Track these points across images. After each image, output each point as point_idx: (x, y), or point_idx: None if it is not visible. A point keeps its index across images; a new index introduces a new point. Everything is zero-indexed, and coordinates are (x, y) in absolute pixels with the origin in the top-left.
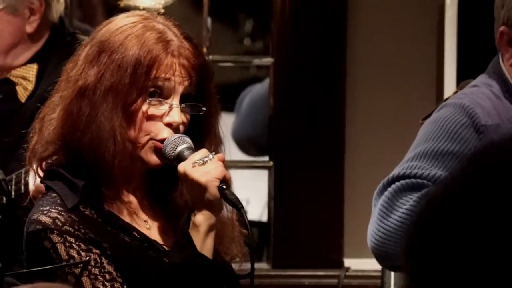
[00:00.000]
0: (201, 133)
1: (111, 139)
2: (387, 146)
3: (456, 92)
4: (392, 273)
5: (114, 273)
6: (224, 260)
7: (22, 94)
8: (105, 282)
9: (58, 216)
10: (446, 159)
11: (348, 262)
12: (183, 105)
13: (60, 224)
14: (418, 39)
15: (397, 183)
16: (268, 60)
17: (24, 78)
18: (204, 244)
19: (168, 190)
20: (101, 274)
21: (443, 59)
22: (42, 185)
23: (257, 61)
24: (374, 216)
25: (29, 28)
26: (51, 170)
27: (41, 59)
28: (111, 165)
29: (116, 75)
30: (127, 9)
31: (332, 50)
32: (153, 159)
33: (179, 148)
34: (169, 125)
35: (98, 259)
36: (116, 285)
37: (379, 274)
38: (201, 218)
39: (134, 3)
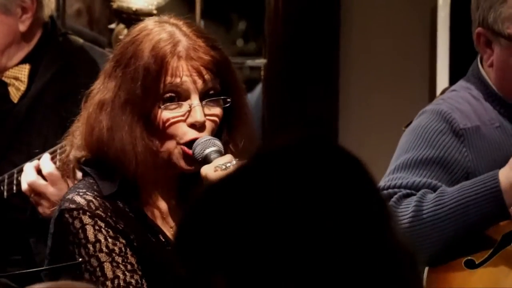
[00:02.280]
0: (231, 126)
1: (133, 151)
2: (380, 147)
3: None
4: None
5: (135, 265)
6: None
7: (15, 95)
8: (126, 272)
9: (93, 199)
10: (428, 166)
11: None
12: (204, 102)
13: (94, 208)
14: (411, 40)
15: None
16: (261, 62)
17: (16, 78)
18: None
19: None
20: (123, 263)
21: (435, 60)
22: (57, 173)
23: (250, 62)
24: None
25: (22, 27)
26: (90, 159)
27: (33, 59)
28: (134, 176)
29: (130, 88)
30: (119, 10)
31: (325, 51)
32: (184, 165)
33: (207, 151)
34: (192, 125)
35: (123, 248)
36: (135, 277)
37: None
38: None
39: (127, 5)
